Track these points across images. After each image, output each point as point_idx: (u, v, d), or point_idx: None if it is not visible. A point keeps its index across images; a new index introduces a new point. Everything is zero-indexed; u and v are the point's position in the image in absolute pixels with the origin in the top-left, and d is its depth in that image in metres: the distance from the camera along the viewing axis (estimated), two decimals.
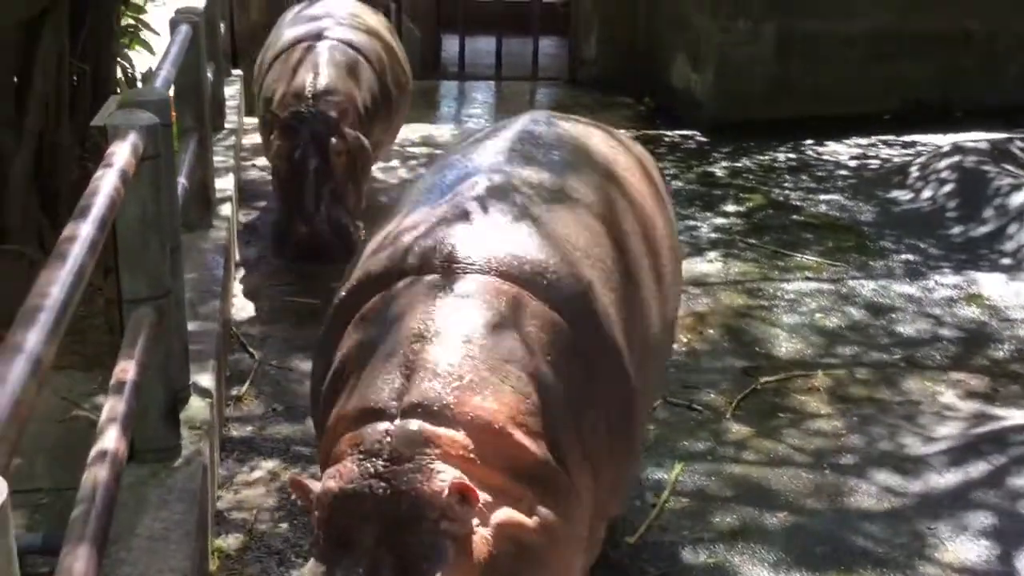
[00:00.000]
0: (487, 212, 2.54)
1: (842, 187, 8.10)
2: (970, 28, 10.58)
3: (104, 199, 2.19)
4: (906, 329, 5.39)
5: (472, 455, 2.01)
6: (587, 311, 2.45)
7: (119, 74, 5.60)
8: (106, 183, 2.27)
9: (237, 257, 5.81)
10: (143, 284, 2.89)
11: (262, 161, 7.71)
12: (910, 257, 6.48)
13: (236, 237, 5.81)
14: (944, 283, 6.02)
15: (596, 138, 3.27)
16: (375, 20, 6.68)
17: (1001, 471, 3.87)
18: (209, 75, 6.16)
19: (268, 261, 5.76)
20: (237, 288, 5.44)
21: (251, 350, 4.73)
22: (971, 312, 5.63)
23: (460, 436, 2.01)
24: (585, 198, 2.80)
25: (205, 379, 3.62)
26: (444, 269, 2.35)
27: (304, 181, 5.05)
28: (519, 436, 2.11)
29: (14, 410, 1.37)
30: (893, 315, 5.56)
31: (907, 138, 9.55)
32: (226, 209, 5.47)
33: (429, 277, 2.35)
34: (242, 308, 5.22)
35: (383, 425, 2.02)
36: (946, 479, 3.88)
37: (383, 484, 1.92)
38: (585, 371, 2.37)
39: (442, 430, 2.00)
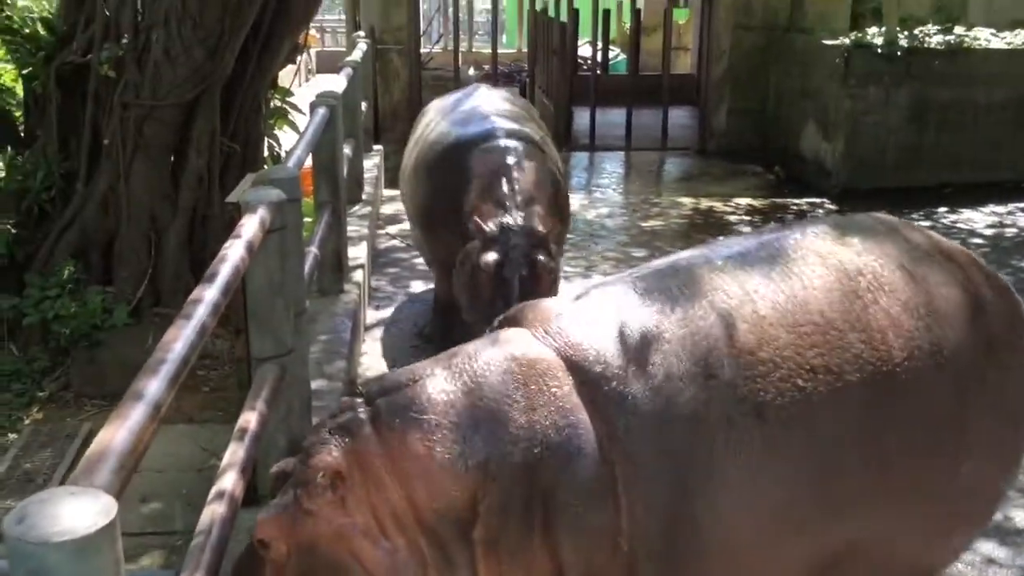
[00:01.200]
0: None
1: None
2: None
3: (229, 267, 2.49)
4: None
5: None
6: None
7: (266, 152, 6.08)
8: (233, 253, 2.57)
9: (368, 320, 6.16)
10: (269, 343, 3.19)
11: (394, 228, 8.14)
12: None
13: (366, 301, 6.16)
14: None
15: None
16: (523, 105, 6.44)
17: None
18: (348, 152, 6.61)
19: (396, 324, 6.09)
20: (366, 348, 5.77)
21: None
22: None
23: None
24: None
25: None
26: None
27: (510, 295, 4.60)
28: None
29: (132, 446, 1.62)
30: None
31: None
32: (358, 275, 5.82)
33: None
34: (369, 367, 5.53)
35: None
36: None
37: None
38: None
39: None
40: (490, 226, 4.69)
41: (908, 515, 2.55)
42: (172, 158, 5.25)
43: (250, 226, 2.83)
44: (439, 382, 2.28)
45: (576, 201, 9.76)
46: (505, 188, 4.88)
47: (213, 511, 2.42)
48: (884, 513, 2.49)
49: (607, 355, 2.32)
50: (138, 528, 3.87)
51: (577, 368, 2.30)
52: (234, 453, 2.65)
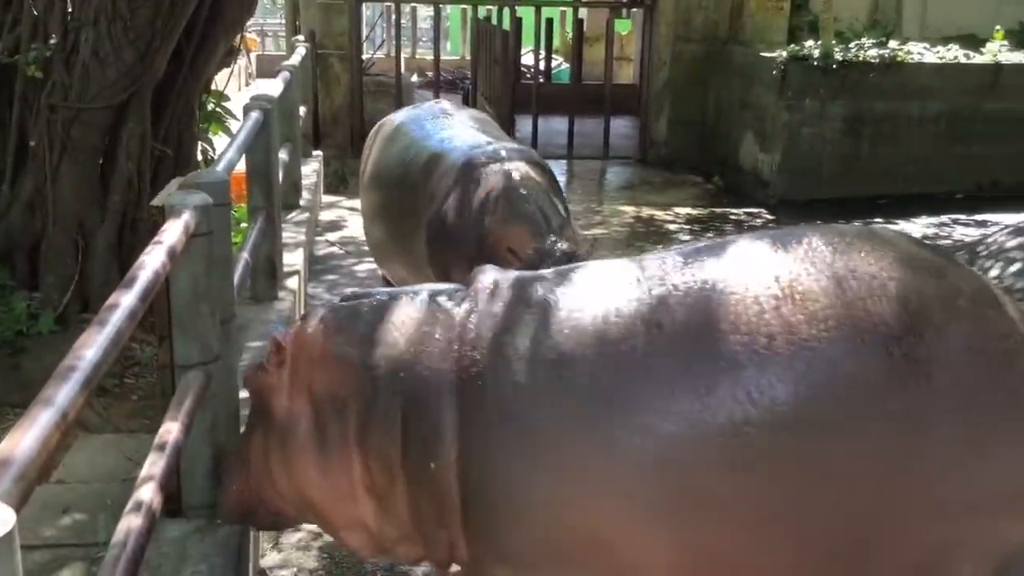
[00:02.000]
0: None
1: None
2: None
3: (149, 273, 2.42)
4: None
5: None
6: None
7: (199, 156, 5.97)
8: (153, 258, 2.50)
9: None
10: (194, 350, 3.12)
11: (334, 235, 8.06)
12: None
13: (302, 309, 6.08)
14: None
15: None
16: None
17: None
18: (284, 156, 6.54)
19: None
20: None
21: None
22: None
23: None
24: None
25: None
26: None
27: None
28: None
29: (35, 454, 1.57)
30: None
31: (979, 217, 9.48)
32: (293, 282, 5.75)
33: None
34: None
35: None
36: None
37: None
38: None
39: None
40: (528, 252, 4.28)
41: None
42: (101, 161, 5.13)
43: (173, 231, 2.77)
44: (377, 305, 2.80)
45: None
46: (536, 210, 4.49)
47: (129, 523, 2.35)
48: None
49: (495, 329, 2.56)
50: (60, 540, 3.76)
51: (469, 332, 2.60)
52: (153, 464, 2.58)
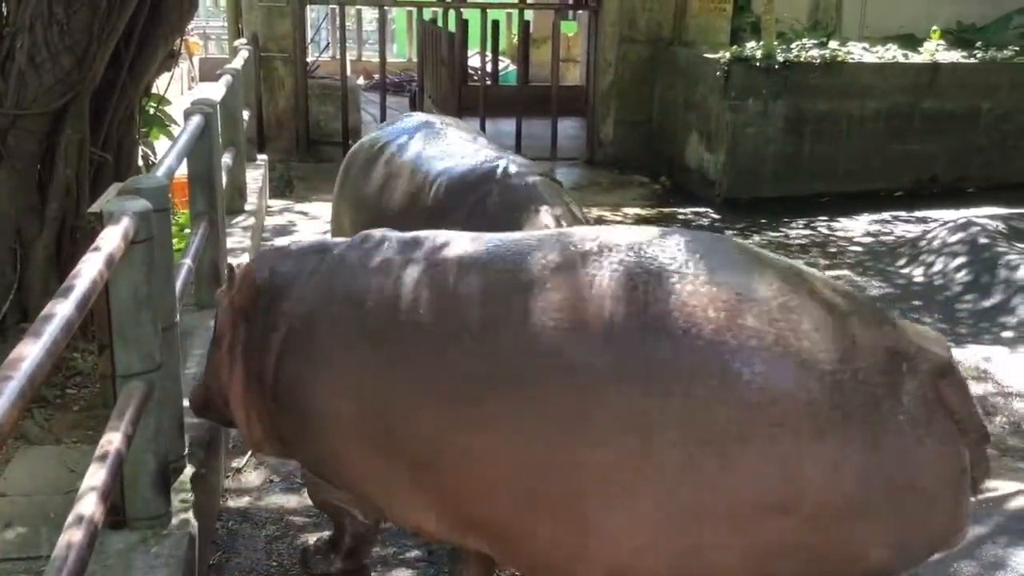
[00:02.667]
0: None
1: (852, 263, 8.21)
2: (982, 107, 10.76)
3: (86, 281, 2.38)
4: None
5: None
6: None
7: (140, 162, 5.88)
8: (89, 266, 2.46)
9: None
10: (135, 359, 3.07)
11: (281, 240, 7.98)
12: None
13: None
14: None
15: None
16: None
17: (980, 542, 3.90)
18: (228, 161, 6.46)
19: None
20: None
21: None
22: (972, 386, 5.67)
23: None
24: None
25: (202, 450, 3.78)
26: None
27: None
28: None
29: None
30: None
31: (920, 214, 9.67)
32: None
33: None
34: None
35: None
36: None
37: None
38: None
39: None
40: None
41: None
42: (39, 168, 5.03)
43: (111, 238, 2.73)
44: (305, 250, 3.36)
45: None
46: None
47: (70, 537, 2.31)
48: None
49: (332, 272, 3.17)
50: (2, 554, 3.68)
51: (321, 272, 3.23)
52: (94, 476, 2.54)
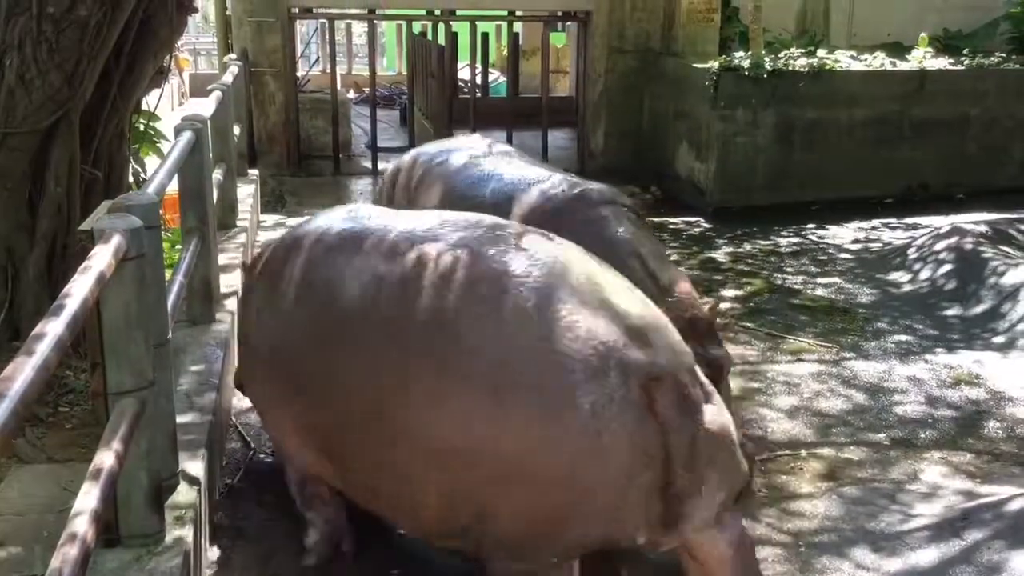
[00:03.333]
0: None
1: (842, 270, 8.23)
2: (970, 113, 10.82)
3: (77, 300, 2.38)
4: (895, 409, 5.46)
5: None
6: None
7: (131, 178, 5.88)
8: (81, 285, 2.46)
9: None
10: (127, 377, 3.07)
11: None
12: (904, 338, 6.57)
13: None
14: (936, 363, 6.10)
15: None
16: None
17: (976, 547, 3.91)
18: (219, 176, 6.46)
19: None
20: None
21: (248, 439, 4.89)
22: (962, 391, 5.70)
23: None
24: None
25: (195, 467, 3.77)
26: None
27: None
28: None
29: None
30: (883, 395, 5.64)
31: (909, 220, 9.71)
32: (231, 304, 5.67)
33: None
34: (244, 398, 5.39)
35: None
36: (921, 557, 3.92)
37: None
38: None
39: None
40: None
41: None
42: (29, 186, 5.03)
43: (102, 256, 2.73)
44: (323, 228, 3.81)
45: None
46: (646, 266, 3.72)
47: (64, 555, 2.31)
48: None
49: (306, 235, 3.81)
50: None
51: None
52: (87, 494, 2.53)
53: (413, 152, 5.58)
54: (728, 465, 3.14)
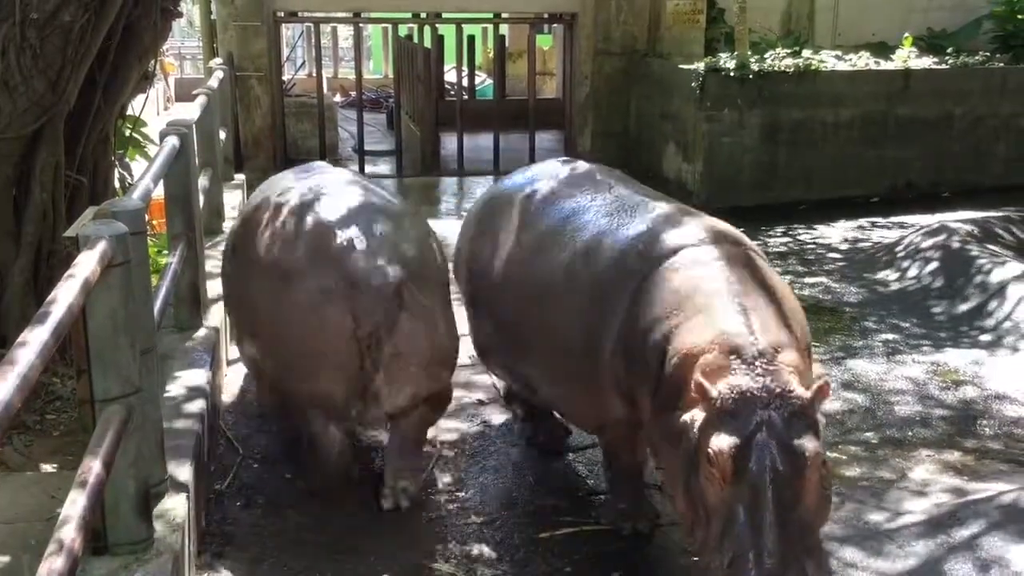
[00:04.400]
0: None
1: (830, 269, 8.25)
2: (954, 112, 10.87)
3: (62, 307, 2.37)
4: (884, 407, 5.48)
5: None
6: None
7: (117, 184, 5.86)
8: (66, 292, 2.45)
9: (231, 355, 5.99)
10: (113, 383, 3.05)
11: None
12: (892, 336, 6.59)
13: (228, 337, 5.99)
14: (923, 361, 6.12)
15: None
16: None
17: (965, 544, 3.92)
18: (205, 182, 6.44)
19: None
20: (230, 384, 5.61)
21: (236, 445, 4.87)
22: (950, 389, 5.72)
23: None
24: None
25: (183, 474, 3.76)
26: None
27: (759, 503, 2.92)
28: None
29: None
30: (871, 394, 5.65)
31: (895, 219, 9.74)
32: (218, 310, 5.66)
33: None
34: (231, 404, 5.38)
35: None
36: (908, 554, 3.93)
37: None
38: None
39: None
40: (722, 390, 3.03)
41: None
42: (14, 193, 5.00)
43: (87, 262, 2.72)
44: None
45: (447, 226, 9.73)
46: (739, 326, 3.19)
47: (51, 565, 2.29)
48: None
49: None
50: None
51: None
52: (74, 502, 2.52)
53: (500, 196, 4.87)
54: (414, 372, 4.14)
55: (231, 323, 5.27)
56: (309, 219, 4.32)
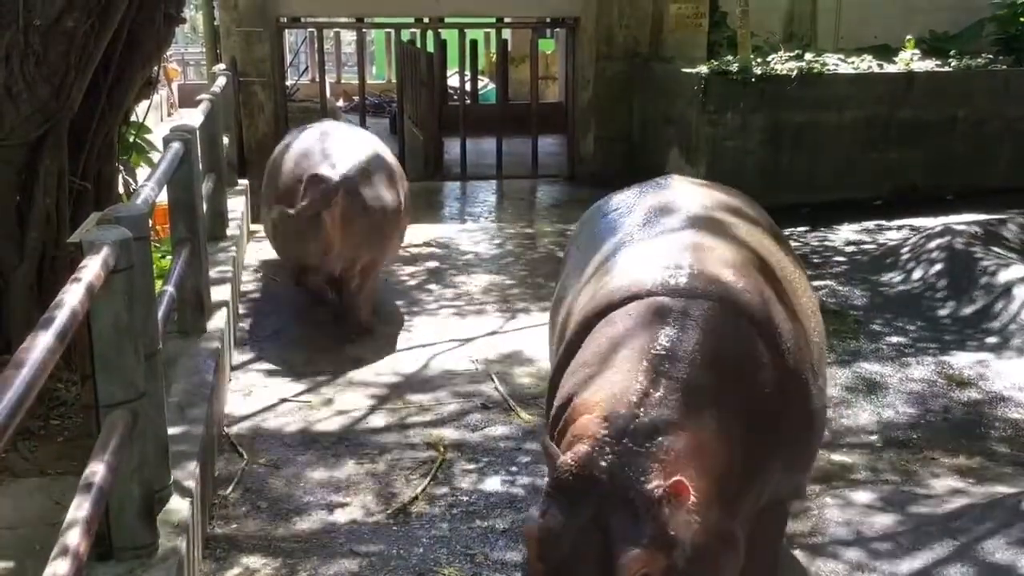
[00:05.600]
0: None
1: (835, 273, 8.24)
2: (957, 115, 10.85)
3: (67, 312, 2.37)
4: (889, 410, 5.46)
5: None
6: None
7: (121, 189, 5.87)
8: (70, 297, 2.45)
9: (235, 360, 6.00)
10: (118, 388, 3.06)
11: (264, 266, 7.96)
12: (897, 339, 6.57)
13: (231, 342, 6.00)
14: (930, 364, 6.11)
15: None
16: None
17: (970, 547, 3.91)
18: (208, 187, 6.45)
19: (263, 363, 5.98)
20: (234, 389, 5.61)
21: (241, 450, 4.87)
22: (956, 392, 5.70)
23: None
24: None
25: (187, 479, 3.76)
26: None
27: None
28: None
29: None
30: (877, 397, 5.64)
31: (899, 222, 9.71)
32: (222, 315, 5.66)
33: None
34: (235, 409, 5.38)
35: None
36: (915, 558, 3.92)
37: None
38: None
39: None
40: (565, 460, 2.57)
41: None
42: (17, 198, 5.01)
43: (91, 267, 2.72)
44: None
45: (451, 230, 9.76)
46: (628, 394, 2.66)
47: (56, 569, 2.29)
48: None
49: None
50: None
51: None
52: (79, 507, 2.52)
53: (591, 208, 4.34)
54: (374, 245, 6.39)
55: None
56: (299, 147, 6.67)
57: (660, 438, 2.55)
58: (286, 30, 13.15)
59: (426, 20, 13.91)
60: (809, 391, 3.05)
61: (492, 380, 5.81)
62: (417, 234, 9.13)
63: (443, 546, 4.07)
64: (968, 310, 6.96)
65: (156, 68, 5.75)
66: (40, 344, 2.18)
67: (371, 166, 6.40)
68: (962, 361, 6.13)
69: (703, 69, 10.27)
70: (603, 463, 2.49)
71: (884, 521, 4.24)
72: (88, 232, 3.06)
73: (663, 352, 2.77)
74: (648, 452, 2.51)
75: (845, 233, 9.52)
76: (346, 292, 6.51)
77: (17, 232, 4.99)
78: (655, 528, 2.40)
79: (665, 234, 3.39)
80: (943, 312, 7.06)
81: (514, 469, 4.79)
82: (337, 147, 6.42)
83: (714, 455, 2.64)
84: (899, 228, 9.52)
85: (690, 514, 2.45)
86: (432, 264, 8.47)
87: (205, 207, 5.86)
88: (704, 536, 2.49)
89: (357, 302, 6.53)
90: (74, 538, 2.41)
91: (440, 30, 13.52)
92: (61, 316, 2.35)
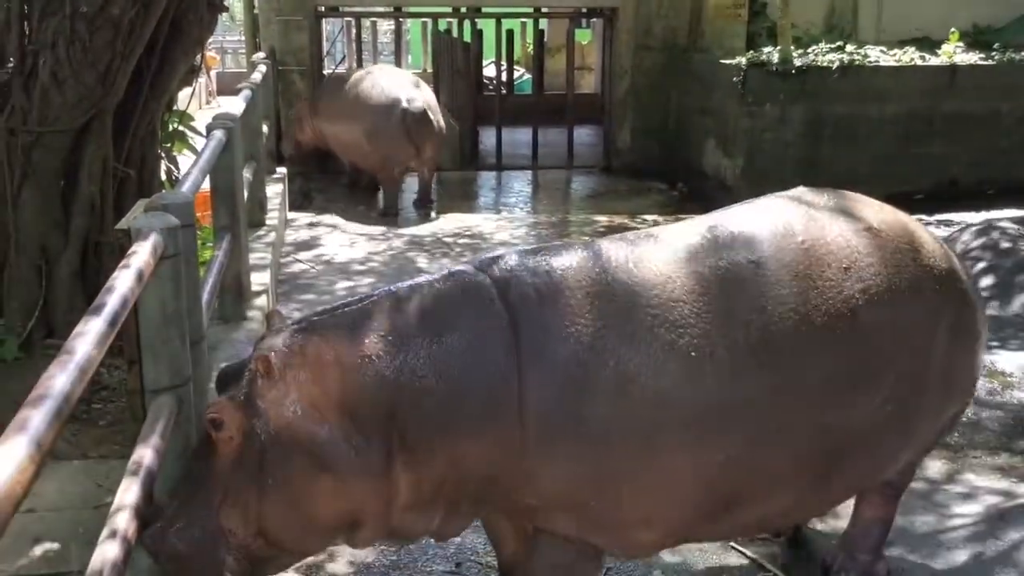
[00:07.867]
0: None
1: None
2: (1001, 109, 10.70)
3: (118, 297, 2.39)
4: None
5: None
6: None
7: (164, 176, 5.91)
8: (121, 282, 2.47)
9: None
10: (164, 374, 3.08)
11: (305, 254, 8.01)
12: None
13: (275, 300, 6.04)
14: None
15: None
16: None
17: (1014, 548, 3.86)
18: (248, 175, 6.49)
19: None
20: None
21: None
22: (1000, 391, 5.63)
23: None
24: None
25: None
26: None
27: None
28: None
29: (9, 489, 1.53)
30: None
31: (940, 217, 9.59)
32: (262, 302, 5.70)
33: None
34: None
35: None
36: (957, 558, 3.87)
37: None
38: None
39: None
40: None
41: None
42: (63, 185, 5.06)
43: (141, 254, 2.74)
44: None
45: (486, 220, 9.78)
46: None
47: (104, 554, 2.32)
48: None
49: None
50: (31, 570, 3.69)
51: None
52: (127, 490, 2.54)
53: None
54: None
55: None
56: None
57: (306, 345, 2.82)
58: (324, 19, 13.19)
59: (463, 10, 13.87)
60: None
61: None
62: (451, 223, 9.15)
63: (459, 551, 4.06)
64: (1012, 308, 6.86)
65: (199, 56, 5.79)
66: (92, 329, 2.20)
67: (433, 99, 10.11)
68: (1006, 361, 6.04)
69: (742, 60, 10.19)
70: (256, 349, 2.93)
71: (927, 520, 4.19)
72: (136, 219, 3.08)
73: (389, 305, 2.95)
74: (288, 349, 2.82)
75: None
76: (423, 179, 10.07)
77: (62, 218, 5.05)
78: (243, 390, 2.82)
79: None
80: (987, 311, 6.94)
81: None
82: (407, 83, 10.02)
83: (342, 381, 2.79)
84: (940, 223, 9.40)
85: (282, 398, 2.76)
86: (467, 255, 8.47)
87: (245, 195, 5.89)
88: (293, 432, 2.76)
89: (430, 186, 10.13)
90: (123, 521, 2.44)
91: (477, 20, 13.50)
92: (112, 302, 2.37)
